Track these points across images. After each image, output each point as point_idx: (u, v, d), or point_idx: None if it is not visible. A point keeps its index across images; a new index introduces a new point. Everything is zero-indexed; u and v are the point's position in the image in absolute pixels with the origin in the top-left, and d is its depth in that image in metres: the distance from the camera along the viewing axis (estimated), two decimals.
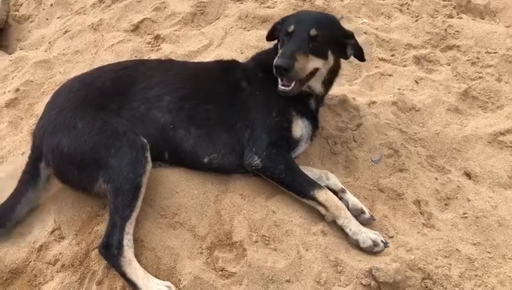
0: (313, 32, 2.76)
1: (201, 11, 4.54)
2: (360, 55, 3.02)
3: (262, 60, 3.08)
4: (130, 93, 2.83)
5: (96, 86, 2.84)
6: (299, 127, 2.88)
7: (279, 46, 2.93)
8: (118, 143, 2.56)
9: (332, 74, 3.04)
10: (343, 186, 2.82)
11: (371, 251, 2.53)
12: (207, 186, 2.79)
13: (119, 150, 2.54)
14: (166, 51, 4.03)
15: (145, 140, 2.64)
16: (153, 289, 2.32)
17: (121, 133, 2.61)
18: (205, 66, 3.20)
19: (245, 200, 2.75)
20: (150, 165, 2.60)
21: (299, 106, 2.92)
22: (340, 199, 2.73)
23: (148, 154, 2.60)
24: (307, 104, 2.99)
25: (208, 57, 3.86)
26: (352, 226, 2.58)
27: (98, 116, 2.67)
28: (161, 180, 2.77)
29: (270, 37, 3.11)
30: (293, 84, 2.75)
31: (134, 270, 2.37)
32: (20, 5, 5.62)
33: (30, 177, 2.75)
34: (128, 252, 2.41)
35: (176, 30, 4.36)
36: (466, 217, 2.78)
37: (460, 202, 2.88)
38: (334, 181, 2.85)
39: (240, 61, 3.21)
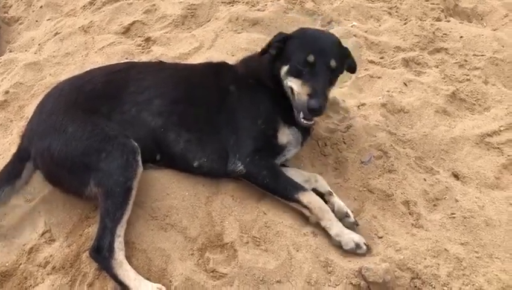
0: (332, 64, 2.76)
1: (192, 14, 4.55)
2: (353, 69, 3.10)
3: (253, 67, 3.05)
4: (121, 97, 2.83)
5: (86, 90, 2.83)
6: (285, 135, 2.88)
7: (285, 71, 2.83)
8: (108, 147, 2.57)
9: None
10: (330, 189, 2.85)
11: (353, 252, 2.56)
12: (198, 188, 2.80)
13: (110, 154, 2.55)
14: (157, 53, 4.03)
15: (136, 144, 2.64)
16: None
17: (112, 136, 2.61)
18: (195, 69, 3.20)
19: (236, 201, 2.76)
20: (140, 169, 2.60)
21: (287, 115, 2.89)
22: (327, 201, 2.75)
23: (139, 158, 2.61)
24: None
25: (198, 59, 3.87)
26: (335, 227, 2.60)
27: (89, 119, 2.68)
28: (152, 182, 2.78)
29: (264, 53, 2.95)
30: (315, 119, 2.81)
31: (126, 272, 2.37)
32: (10, 7, 5.58)
33: (9, 175, 2.74)
34: (119, 254, 2.41)
35: (166, 32, 4.37)
36: (454, 217, 2.82)
37: (448, 202, 2.92)
38: (322, 184, 2.87)
39: (230, 63, 3.22)
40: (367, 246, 2.59)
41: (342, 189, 2.92)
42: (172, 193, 2.74)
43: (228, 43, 4.04)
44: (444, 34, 4.31)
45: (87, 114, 2.71)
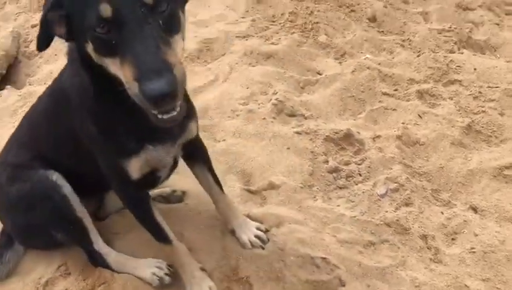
0: None
1: (208, 48, 4.62)
2: None
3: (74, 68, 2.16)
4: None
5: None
6: (137, 167, 2.11)
7: (93, 52, 1.71)
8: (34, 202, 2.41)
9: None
10: None
11: None
12: (213, 221, 2.80)
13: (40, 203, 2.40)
14: None
15: (48, 171, 2.37)
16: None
17: (31, 188, 2.40)
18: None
19: None
20: (63, 182, 2.38)
21: (126, 137, 2.06)
22: None
23: (59, 179, 2.37)
24: (138, 120, 1.86)
25: (213, 92, 3.92)
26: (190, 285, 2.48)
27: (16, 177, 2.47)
28: (168, 214, 2.78)
29: (45, 44, 1.92)
30: (179, 104, 1.62)
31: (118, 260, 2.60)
32: (30, 42, 5.73)
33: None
34: (103, 247, 2.60)
35: None
36: (474, 252, 2.76)
37: (467, 236, 2.87)
38: None
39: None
40: None
41: (358, 223, 2.88)
42: (188, 226, 2.74)
43: (243, 76, 4.09)
44: (457, 66, 4.32)
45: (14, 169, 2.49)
